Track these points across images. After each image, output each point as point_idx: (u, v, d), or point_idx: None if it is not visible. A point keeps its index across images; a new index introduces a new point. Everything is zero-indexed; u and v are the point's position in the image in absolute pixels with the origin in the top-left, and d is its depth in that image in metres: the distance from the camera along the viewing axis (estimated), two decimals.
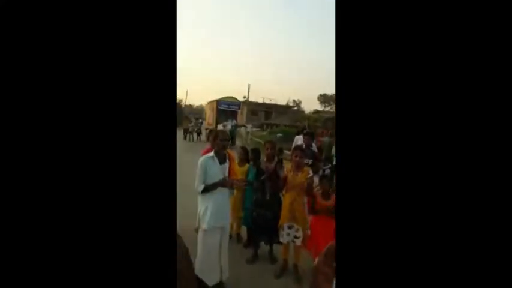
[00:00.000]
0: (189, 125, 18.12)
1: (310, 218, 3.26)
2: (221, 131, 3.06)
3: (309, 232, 3.18)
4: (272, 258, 3.49)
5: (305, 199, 3.23)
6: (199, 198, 2.82)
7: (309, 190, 3.14)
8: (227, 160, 2.90)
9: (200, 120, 19.85)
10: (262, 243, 3.56)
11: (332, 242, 3.40)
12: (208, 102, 23.30)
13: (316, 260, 2.27)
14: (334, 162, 7.72)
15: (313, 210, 3.24)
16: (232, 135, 13.79)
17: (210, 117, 20.95)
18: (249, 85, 27.93)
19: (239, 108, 20.40)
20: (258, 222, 3.40)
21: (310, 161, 4.37)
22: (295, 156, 3.19)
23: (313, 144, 5.37)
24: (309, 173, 3.16)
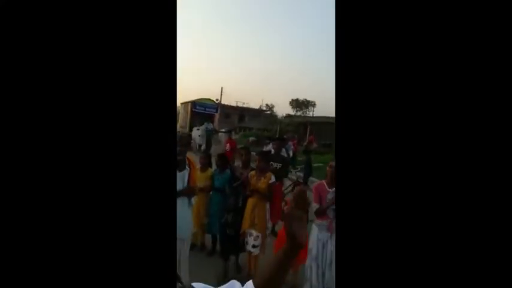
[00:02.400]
0: None
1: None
2: (180, 135, 2.91)
3: (268, 239, 3.11)
4: (238, 268, 3.37)
5: (268, 205, 3.16)
6: None
7: (270, 195, 3.09)
8: (186, 167, 2.76)
9: None
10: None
11: (301, 186, 3.35)
12: (182, 103, 22.47)
13: (286, 208, 2.21)
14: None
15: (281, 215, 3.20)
16: (208, 140, 13.01)
17: (183, 119, 20.29)
18: (221, 88, 27.72)
19: (216, 112, 19.73)
20: (229, 229, 3.28)
21: (279, 166, 4.33)
22: (259, 161, 3.17)
23: (284, 149, 5.46)
24: (270, 178, 3.11)
